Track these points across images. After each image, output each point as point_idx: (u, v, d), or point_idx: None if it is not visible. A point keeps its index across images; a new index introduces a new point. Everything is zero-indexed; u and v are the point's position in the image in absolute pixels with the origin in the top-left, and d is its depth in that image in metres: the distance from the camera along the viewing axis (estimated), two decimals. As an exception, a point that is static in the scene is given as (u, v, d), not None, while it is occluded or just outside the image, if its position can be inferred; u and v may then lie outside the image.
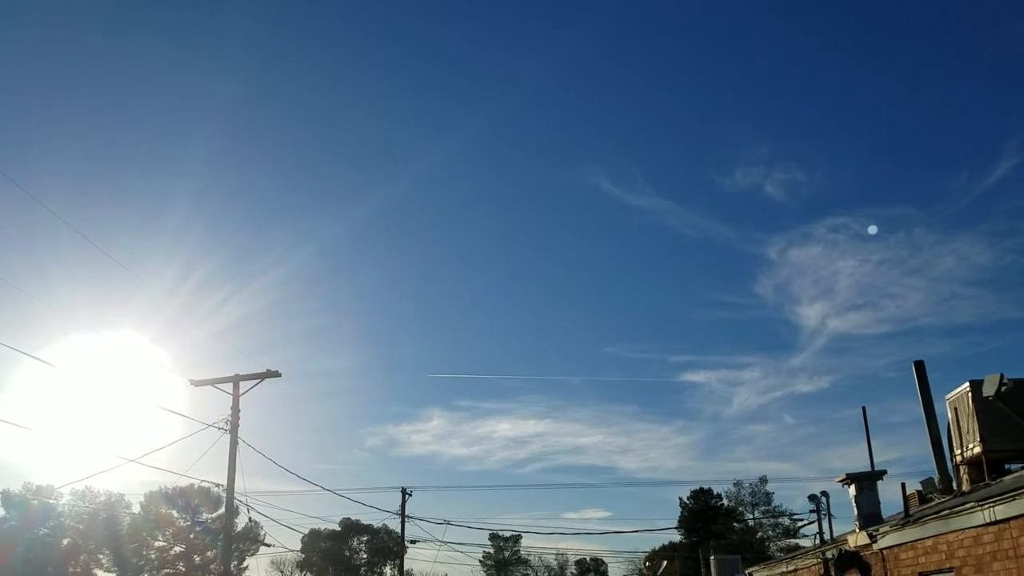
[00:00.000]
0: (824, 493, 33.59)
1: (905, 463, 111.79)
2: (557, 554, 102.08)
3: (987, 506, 11.30)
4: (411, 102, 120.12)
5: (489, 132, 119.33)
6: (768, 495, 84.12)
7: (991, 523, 11.27)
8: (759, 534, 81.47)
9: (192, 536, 70.43)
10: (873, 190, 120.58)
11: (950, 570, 12.68)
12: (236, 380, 26.85)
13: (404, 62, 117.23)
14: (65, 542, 66.89)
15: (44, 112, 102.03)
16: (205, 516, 70.48)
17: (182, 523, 71.36)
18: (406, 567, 60.80)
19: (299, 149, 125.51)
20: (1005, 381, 12.91)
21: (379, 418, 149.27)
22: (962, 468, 16.80)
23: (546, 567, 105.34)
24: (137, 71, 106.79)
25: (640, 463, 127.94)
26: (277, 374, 27.03)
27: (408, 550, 56.38)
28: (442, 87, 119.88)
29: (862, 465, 19.49)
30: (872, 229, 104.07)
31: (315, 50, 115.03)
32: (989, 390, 13.09)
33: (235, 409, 26.49)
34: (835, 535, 28.40)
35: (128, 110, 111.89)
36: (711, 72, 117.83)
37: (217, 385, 27.02)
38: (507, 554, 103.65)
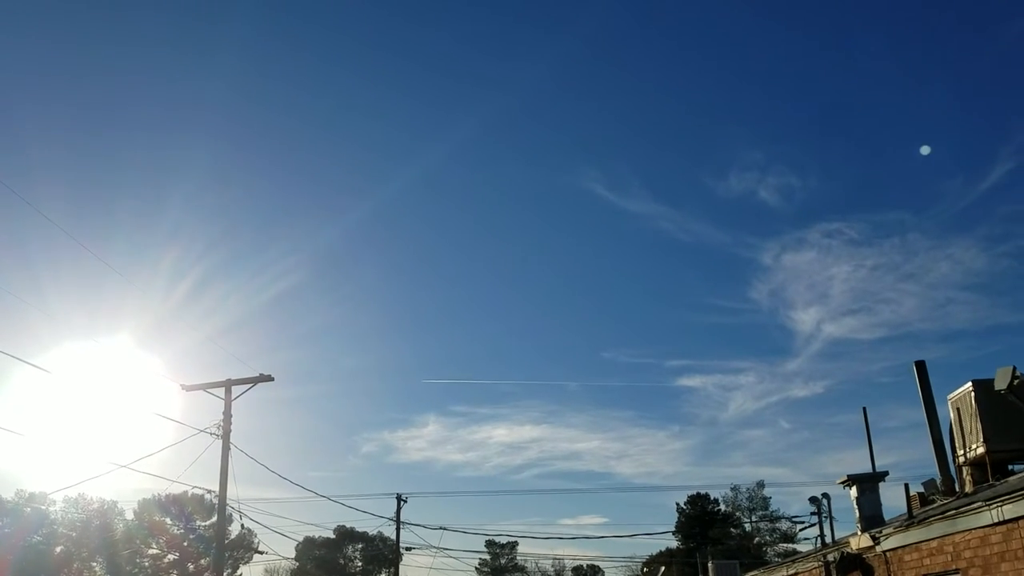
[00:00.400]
0: (825, 495, 33.30)
1: (901, 468, 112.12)
2: (554, 561, 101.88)
3: (995, 505, 11.01)
4: (405, 104, 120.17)
5: (483, 135, 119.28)
6: (765, 500, 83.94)
7: (999, 523, 10.98)
8: (756, 539, 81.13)
9: (186, 544, 69.84)
10: (867, 195, 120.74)
11: (956, 571, 12.39)
12: (228, 384, 26.53)
13: (398, 64, 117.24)
14: (58, 550, 66.30)
15: (39, 118, 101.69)
16: (199, 523, 69.92)
17: (176, 531, 70.76)
18: (401, 574, 60.30)
19: (293, 152, 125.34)
20: (1018, 375, 12.64)
21: (374, 424, 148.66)
22: (965, 469, 16.54)
23: (543, 574, 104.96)
24: (131, 77, 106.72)
25: (637, 468, 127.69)
26: (270, 378, 26.70)
27: (403, 557, 56.13)
28: (436, 89, 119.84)
29: (857, 470, 19.25)
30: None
31: (309, 53, 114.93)
32: (1001, 383, 12.80)
33: (227, 414, 26.16)
34: (836, 538, 28.13)
35: (122, 116, 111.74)
36: (705, 75, 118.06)
37: (209, 390, 26.71)
38: (503, 561, 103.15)
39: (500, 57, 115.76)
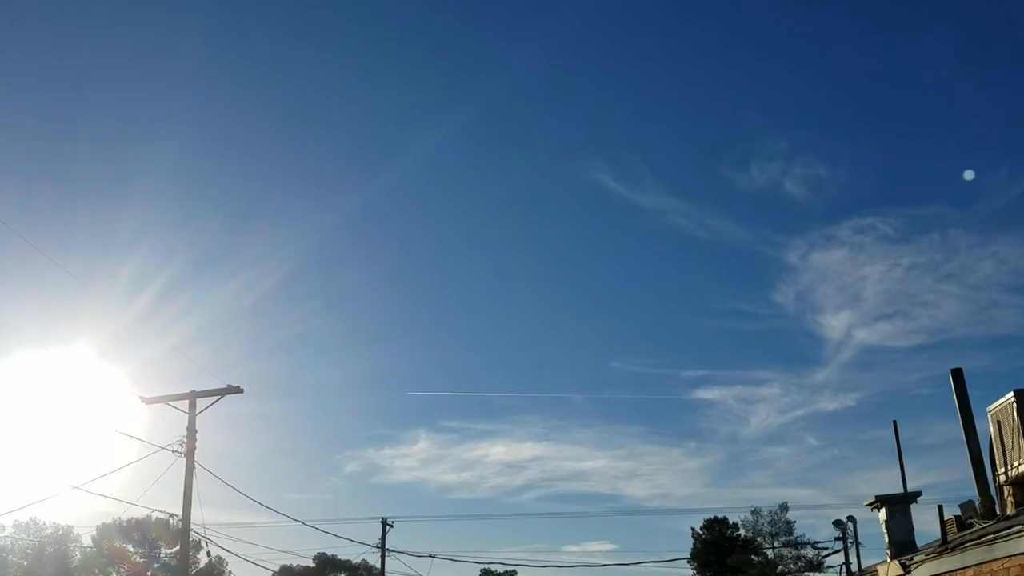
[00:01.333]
0: (851, 518, 33.23)
1: (941, 488, 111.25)
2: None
3: (1037, 530, 10.93)
4: (393, 90, 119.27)
5: (479, 122, 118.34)
6: (789, 524, 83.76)
7: (1042, 549, 10.90)
8: (779, 567, 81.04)
9: (149, 573, 69.75)
10: (903, 187, 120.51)
11: (995, 603, 12.29)
12: (192, 397, 26.50)
13: (386, 47, 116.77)
14: (8, 580, 66.19)
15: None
16: (164, 551, 69.78)
17: (138, 559, 70.64)
18: (387, 606, 60.11)
19: (270, 143, 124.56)
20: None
21: (358, 441, 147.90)
22: (1006, 489, 16.42)
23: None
24: (89, 61, 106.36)
25: (648, 490, 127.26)
26: (239, 390, 26.67)
27: (389, 587, 55.85)
28: (427, 73, 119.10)
29: (891, 491, 19.01)
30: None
31: (288, 34, 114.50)
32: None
33: (191, 429, 26.14)
34: (863, 566, 28.02)
35: (82, 103, 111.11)
36: (724, 56, 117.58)
37: (171, 403, 26.68)
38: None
39: (496, 36, 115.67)
